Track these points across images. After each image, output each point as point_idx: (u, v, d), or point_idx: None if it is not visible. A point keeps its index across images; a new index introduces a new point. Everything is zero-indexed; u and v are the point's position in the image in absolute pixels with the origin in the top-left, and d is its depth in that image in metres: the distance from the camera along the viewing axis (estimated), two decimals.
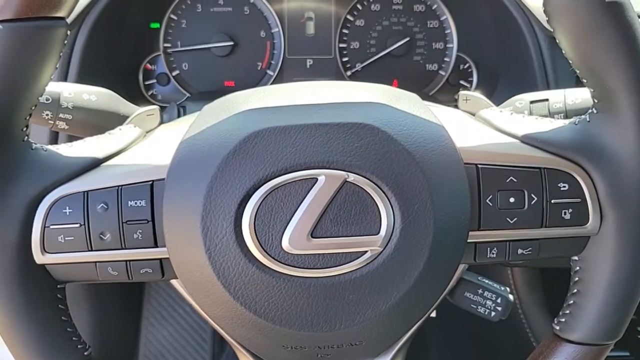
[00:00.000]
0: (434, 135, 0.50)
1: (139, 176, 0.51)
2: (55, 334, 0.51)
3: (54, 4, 0.45)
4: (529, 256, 0.53)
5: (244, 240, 0.47)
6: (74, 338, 0.52)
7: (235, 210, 0.47)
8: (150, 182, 0.50)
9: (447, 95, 1.09)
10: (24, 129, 0.50)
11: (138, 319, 1.32)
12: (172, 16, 1.06)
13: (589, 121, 0.52)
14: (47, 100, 0.66)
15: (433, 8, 1.08)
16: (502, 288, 0.62)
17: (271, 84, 1.08)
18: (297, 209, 0.47)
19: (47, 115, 0.66)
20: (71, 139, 0.72)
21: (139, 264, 0.51)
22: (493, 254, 0.53)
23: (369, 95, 0.52)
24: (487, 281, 0.62)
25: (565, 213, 0.51)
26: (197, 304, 0.52)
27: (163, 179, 0.50)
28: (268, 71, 1.09)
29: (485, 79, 1.07)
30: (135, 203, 0.50)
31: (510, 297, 0.61)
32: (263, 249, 0.47)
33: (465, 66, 1.09)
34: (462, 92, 0.65)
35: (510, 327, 1.04)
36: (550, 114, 0.69)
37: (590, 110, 0.53)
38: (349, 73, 1.09)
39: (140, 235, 0.50)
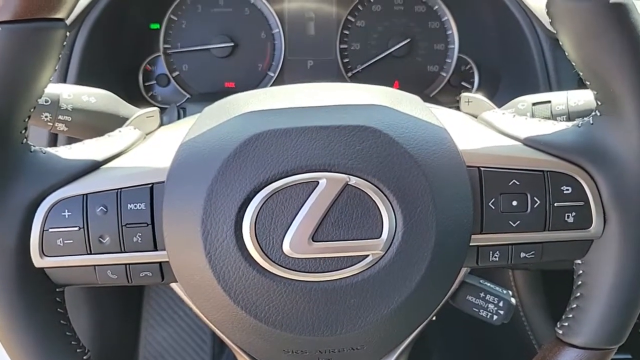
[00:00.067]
0: (436, 137, 0.50)
1: (138, 179, 0.50)
2: (54, 338, 0.51)
3: (52, 5, 0.45)
4: (532, 260, 0.53)
5: (245, 244, 0.47)
6: (72, 342, 0.52)
7: (236, 213, 0.46)
8: (150, 185, 0.50)
9: (448, 96, 1.09)
10: (23, 131, 0.49)
11: (138, 320, 1.32)
12: (172, 17, 1.06)
13: (592, 124, 0.52)
14: (46, 102, 0.65)
15: (434, 9, 1.08)
16: (505, 291, 0.61)
17: (272, 85, 1.08)
18: (298, 213, 0.47)
19: (46, 117, 0.66)
20: (70, 140, 0.72)
21: (138, 268, 0.51)
22: (495, 257, 0.52)
23: (371, 98, 0.52)
24: (489, 284, 0.62)
25: (568, 216, 0.51)
26: (197, 308, 0.51)
27: (163, 182, 0.49)
28: (268, 72, 1.08)
29: (487, 81, 1.07)
30: (135, 206, 0.49)
31: (513, 300, 0.61)
32: (264, 252, 0.47)
33: (467, 67, 1.09)
34: (464, 94, 0.65)
35: (512, 330, 1.03)
36: (553, 116, 0.68)
37: (593, 113, 0.52)
38: (349, 74, 1.09)
39: (139, 239, 0.50)
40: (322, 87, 0.55)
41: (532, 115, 0.69)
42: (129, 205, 0.49)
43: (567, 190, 0.51)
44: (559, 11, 0.49)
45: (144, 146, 0.57)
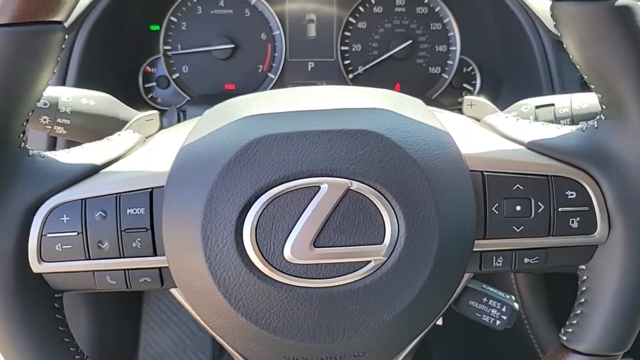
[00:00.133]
0: (439, 142, 0.49)
1: (137, 183, 0.50)
2: (52, 344, 0.51)
3: (51, 8, 0.44)
4: (536, 265, 0.52)
5: (245, 250, 0.46)
6: (71, 348, 0.52)
7: (236, 218, 0.46)
8: (150, 190, 0.49)
9: (450, 98, 1.08)
10: (21, 135, 0.49)
11: (137, 323, 1.32)
12: (172, 18, 1.05)
13: (596, 128, 0.52)
14: (44, 105, 0.65)
15: (436, 10, 1.07)
16: (507, 296, 0.61)
17: (272, 86, 1.08)
18: (299, 218, 0.46)
19: (44, 120, 0.65)
20: (70, 144, 0.71)
21: (137, 273, 0.50)
22: (499, 263, 0.52)
23: (373, 101, 0.51)
24: (491, 289, 0.61)
25: (572, 221, 0.50)
26: (197, 314, 0.51)
27: (162, 187, 0.49)
28: (269, 74, 1.08)
29: (489, 83, 1.06)
30: (134, 211, 0.49)
31: (516, 305, 0.61)
32: (264, 258, 0.46)
33: (469, 69, 1.08)
34: (466, 97, 0.64)
35: (515, 335, 1.03)
36: (556, 119, 0.68)
37: (598, 117, 0.52)
38: (350, 76, 1.08)
39: (139, 244, 0.49)
40: (323, 90, 0.55)
41: (536, 118, 0.68)
42: (128, 210, 0.49)
43: (572, 195, 0.50)
44: (563, 14, 0.48)
45: (144, 150, 0.56)
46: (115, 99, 0.72)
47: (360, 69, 1.08)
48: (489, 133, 0.57)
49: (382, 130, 0.48)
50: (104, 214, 0.49)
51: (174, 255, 0.48)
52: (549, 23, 0.89)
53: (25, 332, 0.49)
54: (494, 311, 0.60)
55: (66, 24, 0.48)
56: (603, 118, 0.51)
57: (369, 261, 0.47)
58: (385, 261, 0.47)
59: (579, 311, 0.53)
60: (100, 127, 0.67)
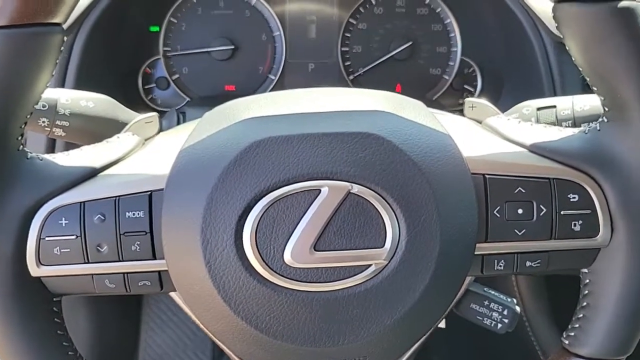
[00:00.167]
0: (440, 144, 0.49)
1: (137, 186, 0.49)
2: (51, 348, 0.50)
3: (49, 10, 0.44)
4: (538, 269, 0.52)
5: (245, 253, 0.46)
6: (69, 352, 0.51)
7: (236, 222, 0.46)
8: (149, 193, 0.49)
9: (451, 99, 1.08)
10: (19, 137, 0.48)
11: (137, 323, 1.32)
12: (172, 19, 1.05)
13: (599, 130, 0.51)
14: (43, 107, 0.65)
15: (437, 11, 1.07)
16: (509, 299, 0.61)
17: (272, 88, 1.07)
18: (299, 221, 0.46)
19: (43, 122, 0.65)
20: (69, 146, 0.71)
21: (137, 277, 0.50)
22: (500, 266, 0.52)
23: (373, 103, 0.51)
24: (493, 292, 0.61)
25: (575, 225, 0.50)
26: (197, 318, 0.50)
27: (162, 190, 0.49)
28: (269, 75, 1.08)
29: (490, 84, 1.06)
30: (133, 214, 0.49)
31: (517, 308, 0.60)
32: (265, 262, 0.46)
33: (470, 70, 1.08)
34: (468, 99, 0.64)
35: (517, 338, 1.03)
36: (558, 121, 0.67)
37: (600, 119, 0.52)
38: (351, 77, 1.08)
39: (138, 247, 0.49)
40: (324, 92, 0.54)
41: (537, 120, 0.68)
42: (127, 213, 0.49)
43: (574, 198, 0.50)
44: (565, 15, 0.48)
45: (143, 153, 0.56)
46: (115, 100, 0.71)
47: (361, 70, 1.08)
48: (490, 135, 0.57)
49: (383, 132, 0.47)
50: (102, 217, 0.49)
51: (174, 258, 0.48)
52: (550, 24, 0.89)
53: (23, 336, 0.49)
54: (495, 314, 0.60)
55: (65, 26, 0.47)
56: (605, 120, 0.51)
57: (370, 265, 0.47)
58: (386, 265, 0.47)
59: (581, 315, 0.53)
60: (100, 129, 0.67)
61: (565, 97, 0.70)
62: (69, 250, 0.49)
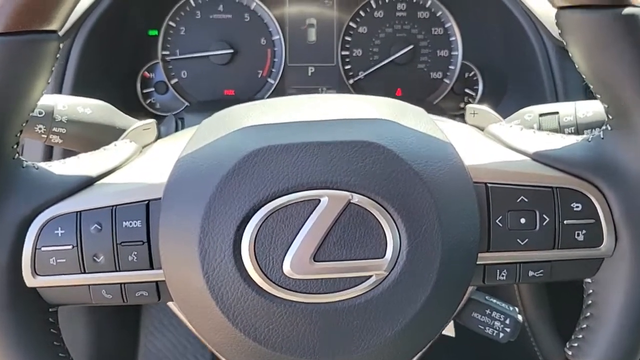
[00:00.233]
0: (442, 153, 0.48)
1: (134, 195, 0.49)
2: (47, 359, 0.49)
3: (45, 17, 0.44)
4: (540, 278, 0.51)
5: (244, 264, 0.45)
6: None
7: (235, 232, 0.45)
8: (146, 202, 0.48)
9: (451, 104, 1.07)
10: (15, 146, 0.48)
11: (136, 331, 1.31)
12: (171, 23, 1.05)
13: (602, 138, 0.51)
14: (40, 113, 0.64)
15: (437, 15, 1.06)
16: (511, 308, 0.60)
17: (272, 92, 1.07)
18: (299, 232, 0.45)
19: (40, 129, 0.64)
20: (66, 153, 0.70)
21: (134, 287, 0.49)
22: (503, 276, 0.51)
23: (374, 111, 0.50)
24: (495, 301, 0.60)
25: (578, 234, 0.50)
26: (195, 329, 0.50)
27: (159, 199, 0.48)
28: (269, 79, 1.07)
29: (492, 88, 1.05)
30: (130, 224, 0.48)
31: (520, 317, 0.60)
32: (263, 273, 0.45)
33: (471, 74, 1.07)
34: (469, 106, 0.63)
35: (519, 347, 1.02)
36: (560, 128, 0.67)
37: (604, 127, 0.51)
38: (351, 81, 1.07)
39: (135, 257, 0.48)
40: (324, 99, 0.54)
41: (539, 127, 0.67)
42: (124, 222, 0.48)
43: (577, 207, 0.49)
44: (568, 22, 0.47)
45: (140, 161, 0.55)
46: (112, 107, 0.71)
47: (361, 74, 1.07)
48: (492, 143, 0.56)
49: (384, 141, 0.47)
50: (99, 227, 0.48)
51: (171, 269, 0.47)
52: (552, 28, 0.88)
53: (19, 347, 0.48)
54: (497, 323, 0.59)
55: (62, 31, 0.47)
56: (609, 128, 0.50)
57: (370, 276, 0.46)
58: (387, 276, 0.46)
59: (584, 325, 0.52)
60: (97, 135, 0.67)
61: (567, 103, 0.69)
62: (65, 260, 0.48)
